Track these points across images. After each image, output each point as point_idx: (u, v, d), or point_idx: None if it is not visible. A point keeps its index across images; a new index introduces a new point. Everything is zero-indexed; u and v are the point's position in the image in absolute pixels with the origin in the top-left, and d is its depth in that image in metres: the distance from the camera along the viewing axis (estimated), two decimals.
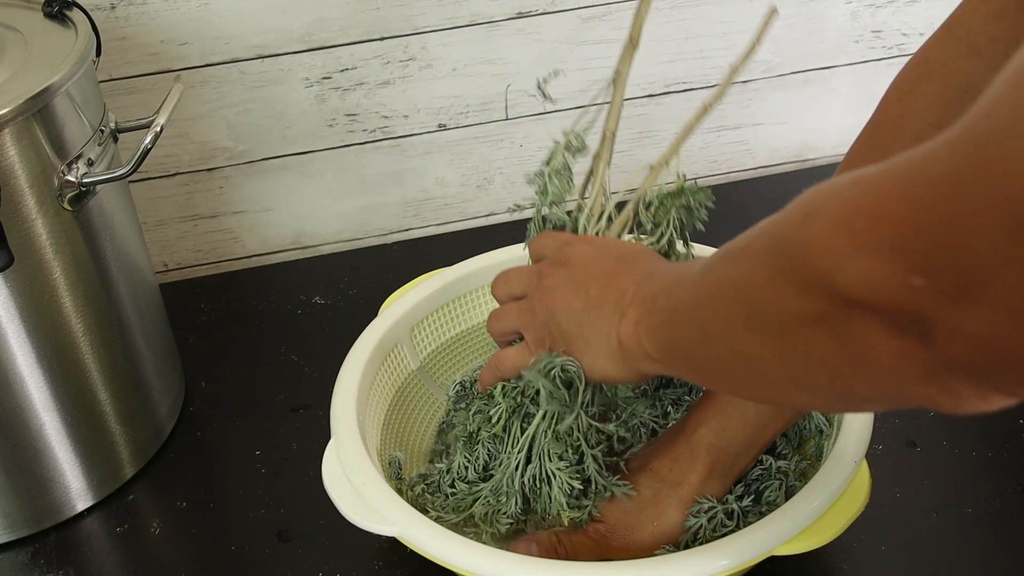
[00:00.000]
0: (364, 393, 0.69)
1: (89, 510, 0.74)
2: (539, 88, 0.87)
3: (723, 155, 1.09)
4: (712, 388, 0.59)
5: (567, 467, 0.62)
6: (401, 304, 0.76)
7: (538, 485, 0.63)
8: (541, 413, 0.61)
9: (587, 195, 0.66)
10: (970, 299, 0.30)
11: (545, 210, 0.66)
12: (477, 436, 0.65)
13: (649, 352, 0.52)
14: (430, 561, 0.58)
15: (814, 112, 1.08)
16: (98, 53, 0.71)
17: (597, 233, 0.65)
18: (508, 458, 0.63)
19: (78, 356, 0.71)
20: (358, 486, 0.61)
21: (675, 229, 0.65)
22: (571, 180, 0.66)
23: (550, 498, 0.62)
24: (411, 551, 0.58)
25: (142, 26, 0.88)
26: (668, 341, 0.50)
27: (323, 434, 0.65)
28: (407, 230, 1.05)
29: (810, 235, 0.36)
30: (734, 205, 1.05)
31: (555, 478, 0.62)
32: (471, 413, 0.66)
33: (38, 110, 0.63)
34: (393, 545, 0.60)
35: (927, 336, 0.33)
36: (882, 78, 1.07)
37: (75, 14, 0.71)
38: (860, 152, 0.61)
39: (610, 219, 0.65)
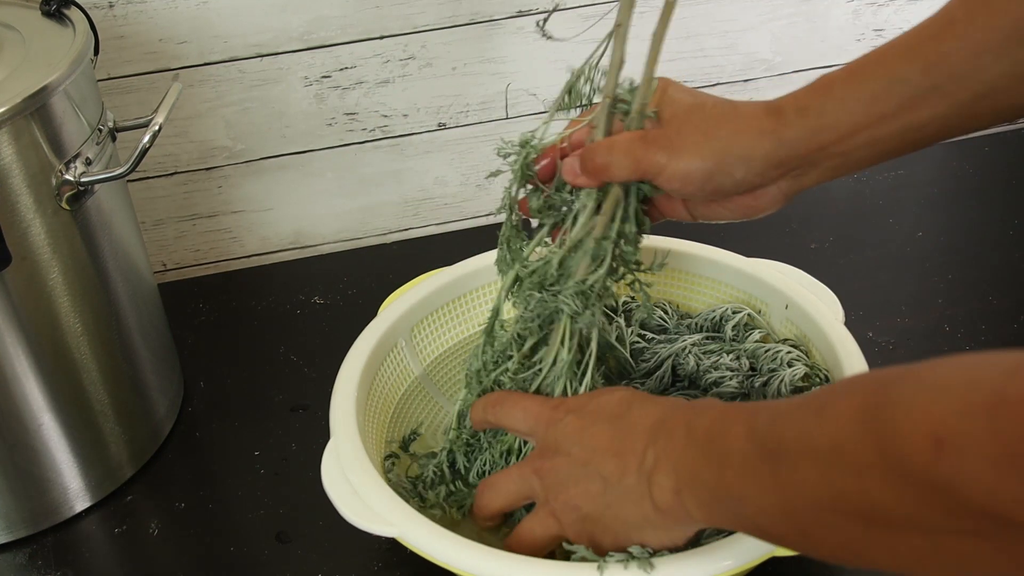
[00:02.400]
0: (364, 393, 0.69)
1: (87, 511, 0.74)
2: (539, 26, 0.84)
3: None
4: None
5: None
6: (400, 304, 0.75)
7: None
8: None
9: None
10: None
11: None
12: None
13: (703, 519, 0.52)
14: (430, 562, 0.57)
15: None
16: (96, 52, 0.71)
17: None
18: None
19: (76, 356, 0.71)
20: (358, 486, 0.60)
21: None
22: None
23: None
24: (411, 551, 0.58)
25: (140, 24, 0.88)
26: (732, 518, 0.50)
27: (322, 434, 0.64)
28: (407, 230, 1.05)
29: (958, 474, 0.35)
30: None
31: None
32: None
33: (36, 109, 0.62)
34: (393, 545, 0.60)
35: None
36: None
37: (73, 12, 0.71)
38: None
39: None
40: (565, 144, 0.62)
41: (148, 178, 0.96)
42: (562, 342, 0.62)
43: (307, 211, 1.02)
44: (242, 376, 0.86)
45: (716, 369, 0.70)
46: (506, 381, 0.64)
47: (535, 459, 0.59)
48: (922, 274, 0.91)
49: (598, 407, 0.58)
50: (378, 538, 0.60)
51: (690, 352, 0.72)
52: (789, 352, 0.70)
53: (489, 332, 0.67)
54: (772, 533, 0.48)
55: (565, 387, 0.62)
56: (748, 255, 0.77)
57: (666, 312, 0.76)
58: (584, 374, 0.63)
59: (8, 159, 0.62)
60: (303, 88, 0.94)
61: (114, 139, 0.73)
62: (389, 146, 0.99)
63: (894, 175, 1.06)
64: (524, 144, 0.63)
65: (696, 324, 0.75)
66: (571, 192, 0.62)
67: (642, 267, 0.64)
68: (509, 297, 0.65)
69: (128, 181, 0.77)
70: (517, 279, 0.64)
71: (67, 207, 0.66)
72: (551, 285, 0.62)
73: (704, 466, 0.50)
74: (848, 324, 0.70)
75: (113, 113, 0.74)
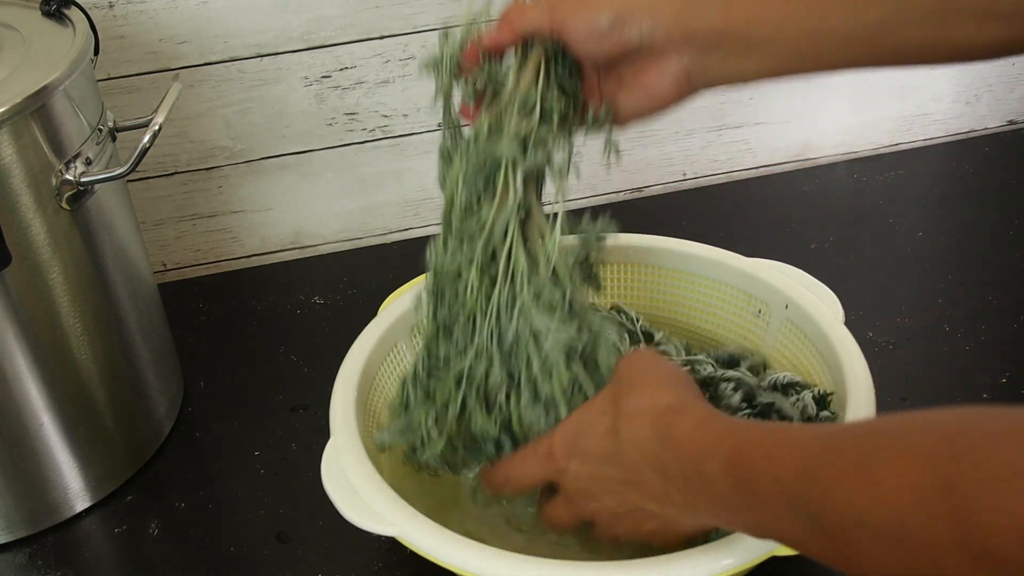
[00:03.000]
0: (364, 393, 0.69)
1: (87, 511, 0.74)
2: None
3: (724, 154, 1.09)
4: None
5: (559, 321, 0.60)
6: (400, 304, 0.75)
7: (523, 347, 0.61)
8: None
9: None
10: None
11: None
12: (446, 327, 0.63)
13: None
14: (430, 561, 0.57)
15: (815, 111, 1.08)
16: (96, 52, 0.71)
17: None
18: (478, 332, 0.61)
19: (76, 356, 0.71)
20: (357, 486, 0.60)
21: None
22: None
23: (540, 358, 0.60)
24: (411, 551, 0.58)
25: (140, 24, 0.88)
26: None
27: (322, 434, 0.64)
28: (407, 229, 1.05)
29: None
30: (736, 204, 1.05)
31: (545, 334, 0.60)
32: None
33: (36, 109, 0.62)
34: (393, 545, 0.60)
35: None
36: (884, 77, 1.07)
37: (73, 12, 0.71)
38: None
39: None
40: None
41: (148, 178, 0.96)
42: (506, 189, 0.61)
43: (307, 211, 1.02)
44: (242, 376, 0.86)
45: (730, 381, 0.69)
46: (453, 246, 0.63)
47: (577, 503, 0.58)
48: (922, 274, 0.91)
49: (587, 447, 0.57)
50: (378, 537, 0.60)
51: (708, 363, 0.71)
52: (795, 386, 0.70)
53: (446, 220, 0.65)
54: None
55: (514, 229, 0.61)
56: (748, 255, 0.77)
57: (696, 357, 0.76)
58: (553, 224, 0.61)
59: (8, 159, 0.62)
60: (303, 88, 0.94)
61: (114, 139, 0.73)
62: (389, 146, 0.99)
63: (894, 175, 1.06)
64: (445, 35, 0.64)
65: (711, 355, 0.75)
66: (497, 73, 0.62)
67: (580, 121, 0.63)
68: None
69: (128, 181, 0.77)
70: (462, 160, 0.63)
71: (67, 207, 0.66)
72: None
73: (741, 510, 0.49)
74: (848, 324, 0.69)
75: (113, 113, 0.74)
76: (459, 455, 0.63)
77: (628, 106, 0.61)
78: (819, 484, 0.43)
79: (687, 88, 0.59)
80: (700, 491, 0.51)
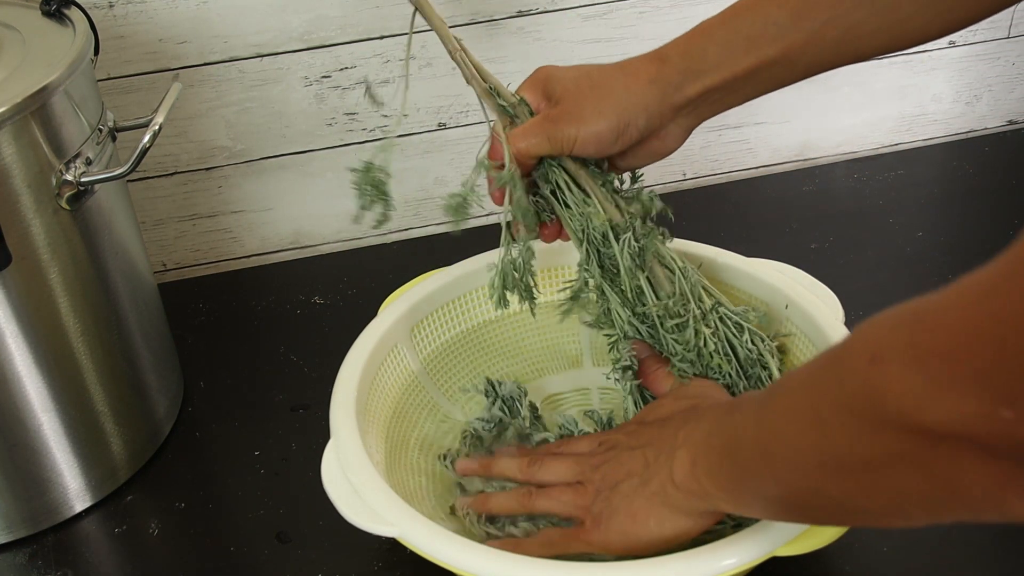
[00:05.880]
0: (364, 393, 0.69)
1: (87, 511, 0.74)
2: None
3: (724, 154, 1.09)
4: (789, 521, 0.55)
5: None
6: (400, 304, 0.75)
7: None
8: None
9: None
10: None
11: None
12: None
13: (712, 492, 0.53)
14: (430, 562, 0.57)
15: (816, 111, 1.08)
16: (96, 52, 0.71)
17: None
18: None
19: (76, 356, 0.71)
20: (358, 486, 0.60)
21: None
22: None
23: None
24: (411, 551, 0.58)
25: (140, 24, 0.88)
26: (732, 480, 0.51)
27: (322, 434, 0.64)
28: (407, 229, 1.05)
29: (883, 381, 0.37)
30: (735, 204, 1.05)
31: None
32: None
33: (36, 109, 0.62)
34: (393, 545, 0.60)
35: None
36: (884, 77, 1.07)
37: (73, 12, 0.71)
38: None
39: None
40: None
41: (148, 178, 0.96)
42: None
43: (307, 211, 1.02)
44: (242, 376, 0.86)
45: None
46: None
47: (592, 456, 0.62)
48: (922, 274, 0.91)
49: (647, 419, 0.62)
50: (378, 537, 0.60)
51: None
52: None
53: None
54: (771, 498, 0.50)
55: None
56: (748, 255, 0.77)
57: None
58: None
59: (8, 159, 0.62)
60: (303, 88, 0.94)
61: (114, 139, 0.73)
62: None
63: (894, 175, 1.06)
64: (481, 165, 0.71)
65: None
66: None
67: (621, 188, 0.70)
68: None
69: (128, 181, 0.77)
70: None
71: (67, 207, 0.66)
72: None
73: (714, 431, 0.53)
74: (848, 324, 0.70)
75: (113, 113, 0.74)
76: None
77: (637, 163, 0.68)
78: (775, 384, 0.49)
79: (685, 137, 0.67)
80: (697, 428, 0.56)
